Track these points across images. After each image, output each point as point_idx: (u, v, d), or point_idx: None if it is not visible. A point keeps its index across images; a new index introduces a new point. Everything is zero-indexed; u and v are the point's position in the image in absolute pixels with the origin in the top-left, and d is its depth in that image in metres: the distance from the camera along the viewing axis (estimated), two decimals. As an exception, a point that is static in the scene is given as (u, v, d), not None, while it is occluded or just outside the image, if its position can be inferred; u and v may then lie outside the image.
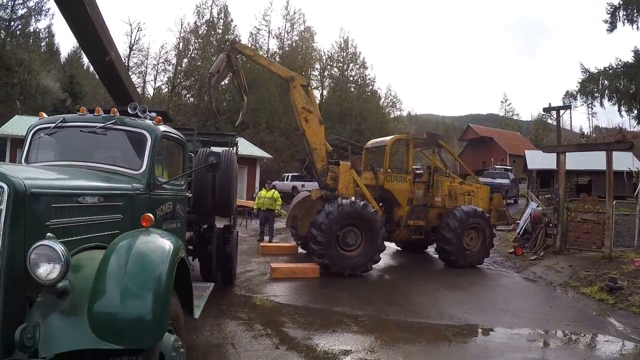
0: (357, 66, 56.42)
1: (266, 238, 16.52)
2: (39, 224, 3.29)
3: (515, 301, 9.35)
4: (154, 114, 5.73)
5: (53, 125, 5.34)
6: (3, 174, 3.10)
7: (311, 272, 11.22)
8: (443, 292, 10.02)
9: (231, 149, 9.61)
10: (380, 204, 12.68)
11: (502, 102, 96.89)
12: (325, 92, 55.59)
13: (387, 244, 15.05)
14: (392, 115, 59.85)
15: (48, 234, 3.11)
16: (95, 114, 5.47)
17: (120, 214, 4.52)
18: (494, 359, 6.05)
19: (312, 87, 56.64)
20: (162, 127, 5.60)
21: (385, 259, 13.81)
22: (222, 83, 15.74)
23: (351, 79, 55.71)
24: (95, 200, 4.12)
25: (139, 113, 5.57)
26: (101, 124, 5.23)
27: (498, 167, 35.30)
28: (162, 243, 3.61)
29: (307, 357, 6.14)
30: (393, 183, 12.64)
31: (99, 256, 3.36)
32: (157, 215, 5.19)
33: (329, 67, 56.42)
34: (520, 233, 15.77)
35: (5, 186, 3.06)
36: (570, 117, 70.20)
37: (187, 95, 49.10)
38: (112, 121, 5.26)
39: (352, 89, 54.62)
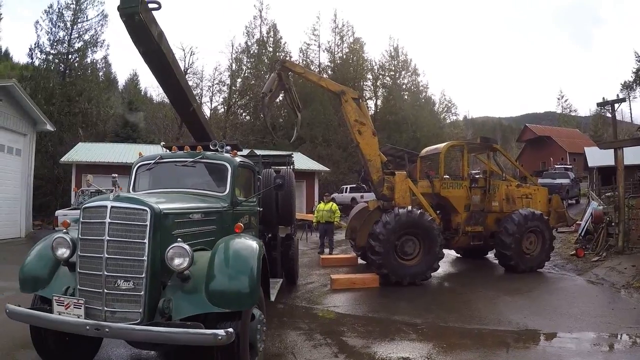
0: (409, 73, 56.23)
1: (326, 250, 16.64)
2: (168, 233, 4.78)
3: (576, 304, 9.03)
4: (229, 148, 7.20)
5: (152, 162, 6.79)
6: (147, 203, 4.64)
7: (371, 282, 11.25)
8: (503, 297, 9.82)
9: (289, 167, 11.12)
10: (438, 212, 12.60)
11: (558, 98, 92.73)
12: (379, 102, 55.48)
13: (446, 251, 14.93)
14: (447, 121, 59.08)
15: (179, 238, 4.65)
16: (184, 151, 6.96)
17: (215, 225, 5.92)
18: None
19: (366, 98, 56.74)
20: (238, 158, 7.04)
21: (444, 267, 13.66)
22: (277, 100, 16.13)
23: (404, 87, 55.37)
24: (199, 216, 5.64)
25: (218, 148, 7.12)
26: (192, 159, 6.64)
27: (558, 166, 33.94)
28: (251, 243, 5.17)
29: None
30: (449, 190, 12.49)
31: (206, 254, 4.84)
32: None
33: (380, 76, 56.39)
34: (582, 234, 15.24)
35: (148, 210, 4.58)
36: (630, 108, 66.48)
37: (243, 114, 50.18)
38: (199, 156, 6.64)
39: (406, 97, 54.14)
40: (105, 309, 4.42)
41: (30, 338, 5.09)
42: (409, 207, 11.40)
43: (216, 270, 4.62)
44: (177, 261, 4.46)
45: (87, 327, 4.27)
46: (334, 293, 10.70)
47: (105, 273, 4.44)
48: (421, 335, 7.35)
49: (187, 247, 4.49)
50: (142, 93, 57.18)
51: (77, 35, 40.36)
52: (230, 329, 4.19)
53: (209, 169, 6.80)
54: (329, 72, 53.14)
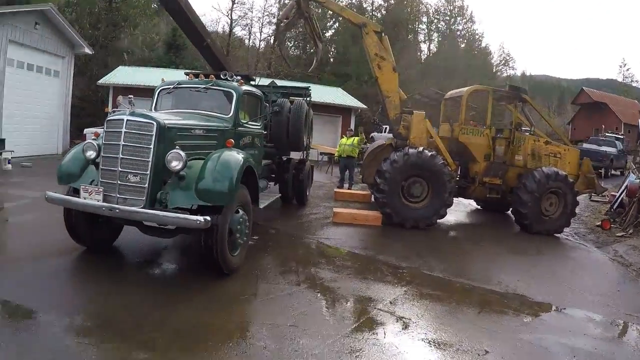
0: (465, 20, 52.74)
1: (346, 185, 16.00)
2: (171, 142, 5.71)
3: (580, 278, 7.93)
4: (238, 78, 8.09)
5: (172, 87, 7.85)
6: (154, 118, 5.64)
7: (373, 220, 10.56)
8: (504, 256, 8.89)
9: (303, 99, 11.68)
10: (456, 159, 11.62)
11: (620, 66, 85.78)
12: (432, 47, 52.97)
13: (466, 201, 14.05)
14: (504, 74, 56.00)
15: (177, 146, 5.64)
16: (199, 78, 7.82)
17: (216, 140, 6.77)
18: (522, 335, 5.00)
19: (419, 42, 54.29)
20: (244, 87, 7.91)
21: (458, 216, 12.85)
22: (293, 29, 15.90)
23: (458, 33, 52.37)
24: (201, 132, 6.62)
25: (228, 78, 7.93)
26: (204, 86, 7.61)
27: (608, 134, 31.35)
28: (237, 156, 6.09)
29: (321, 298, 5.72)
30: (468, 136, 11.35)
31: (201, 162, 5.79)
32: (240, 143, 7.51)
33: (435, 20, 53.15)
34: (615, 207, 13.93)
35: (155, 123, 5.56)
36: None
37: (291, 47, 48.74)
38: (211, 84, 7.64)
39: (461, 44, 51.44)
40: (118, 196, 5.56)
41: (64, 221, 6.25)
42: (420, 148, 10.45)
43: (205, 173, 5.57)
44: (174, 163, 5.47)
45: (103, 208, 5.39)
46: (332, 226, 10.14)
47: (119, 169, 5.56)
48: (396, 279, 6.66)
49: (182, 153, 5.48)
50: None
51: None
52: (208, 217, 5.23)
53: (218, 95, 7.69)
54: (383, 11, 50.83)
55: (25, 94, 18.75)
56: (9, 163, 14.81)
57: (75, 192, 5.90)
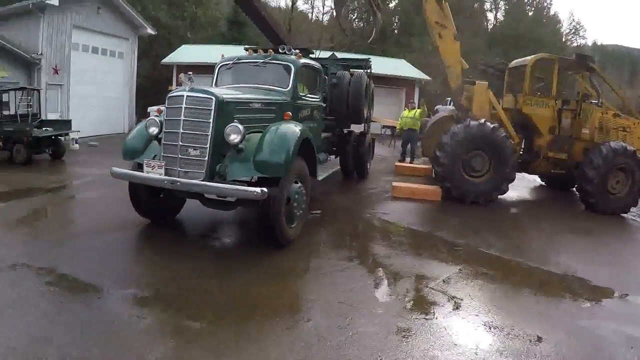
0: None
1: (407, 159, 15.77)
2: (230, 116, 5.80)
3: None
4: (296, 51, 8.11)
5: (231, 62, 8.06)
6: (213, 93, 5.78)
7: (432, 195, 10.39)
8: (565, 236, 8.42)
9: (363, 71, 11.54)
10: (520, 132, 11.14)
11: None
12: (499, 15, 50.55)
13: (531, 177, 13.50)
14: (573, 44, 52.83)
15: (235, 120, 5.72)
16: (258, 53, 7.98)
17: (274, 114, 6.86)
18: (579, 321, 4.76)
19: (486, 10, 51.85)
20: (302, 60, 7.96)
21: (521, 192, 12.38)
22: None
23: (526, 1, 49.57)
24: (259, 106, 6.71)
25: (286, 52, 8.06)
26: (262, 60, 7.76)
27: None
28: (293, 128, 6.15)
29: (372, 275, 5.67)
30: (532, 107, 10.71)
31: (259, 135, 5.91)
32: (299, 116, 7.57)
33: None
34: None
35: (214, 98, 5.69)
36: None
37: (354, 19, 47.68)
38: (269, 58, 7.77)
39: (529, 12, 48.70)
40: (179, 169, 5.73)
41: (129, 195, 6.63)
42: (482, 120, 10.03)
43: (262, 146, 5.69)
44: (232, 136, 5.60)
45: (165, 182, 5.63)
46: (391, 201, 10.07)
47: (180, 143, 5.72)
48: (452, 256, 6.54)
49: (240, 126, 5.59)
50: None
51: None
52: (265, 189, 5.33)
53: (276, 69, 7.75)
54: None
55: (91, 76, 19.67)
56: (76, 143, 15.59)
57: (140, 168, 6.10)
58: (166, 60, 26.88)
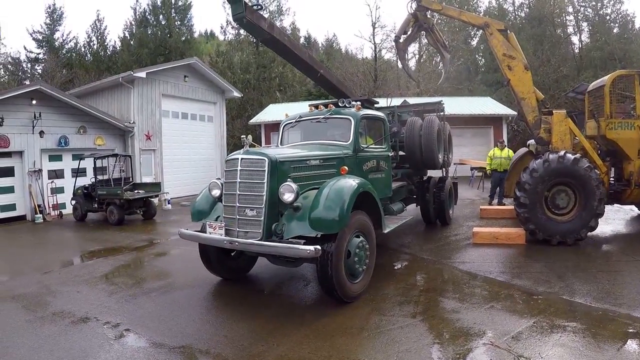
0: (612, 2, 46.05)
1: (495, 201, 14.87)
2: (284, 175, 5.90)
3: None
4: (356, 103, 8.01)
5: (294, 121, 8.38)
6: (266, 154, 5.98)
7: (516, 239, 9.61)
8: None
9: (434, 114, 11.12)
10: (607, 159, 10.10)
11: None
12: (583, 38, 47.61)
13: (627, 207, 12.14)
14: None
15: (288, 178, 5.78)
16: (319, 109, 8.19)
17: (335, 169, 6.83)
18: None
19: (569, 34, 49.01)
20: (362, 112, 7.88)
21: (616, 225, 11.16)
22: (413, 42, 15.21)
23: (608, 17, 46.20)
24: (317, 162, 6.71)
25: (346, 105, 7.95)
26: (323, 116, 7.97)
27: None
28: (350, 182, 6.05)
29: (433, 332, 5.26)
30: (617, 131, 9.61)
31: (316, 191, 5.90)
32: (363, 169, 7.60)
33: (581, 8, 47.35)
34: None
35: (267, 159, 5.88)
36: None
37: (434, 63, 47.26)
38: (329, 113, 7.95)
39: (614, 29, 45.36)
40: (238, 229, 5.91)
41: (199, 254, 7.05)
42: (562, 152, 9.24)
43: (317, 202, 5.66)
44: (286, 195, 5.66)
45: (225, 242, 5.83)
46: (471, 247, 9.47)
47: (238, 205, 5.93)
48: (528, 307, 5.89)
49: (294, 185, 5.63)
50: (343, 51, 57.15)
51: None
52: (318, 247, 5.27)
53: (337, 123, 7.85)
54: (525, 8, 47.21)
55: (182, 139, 21.09)
56: (168, 203, 16.48)
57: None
58: (253, 120, 28.11)
